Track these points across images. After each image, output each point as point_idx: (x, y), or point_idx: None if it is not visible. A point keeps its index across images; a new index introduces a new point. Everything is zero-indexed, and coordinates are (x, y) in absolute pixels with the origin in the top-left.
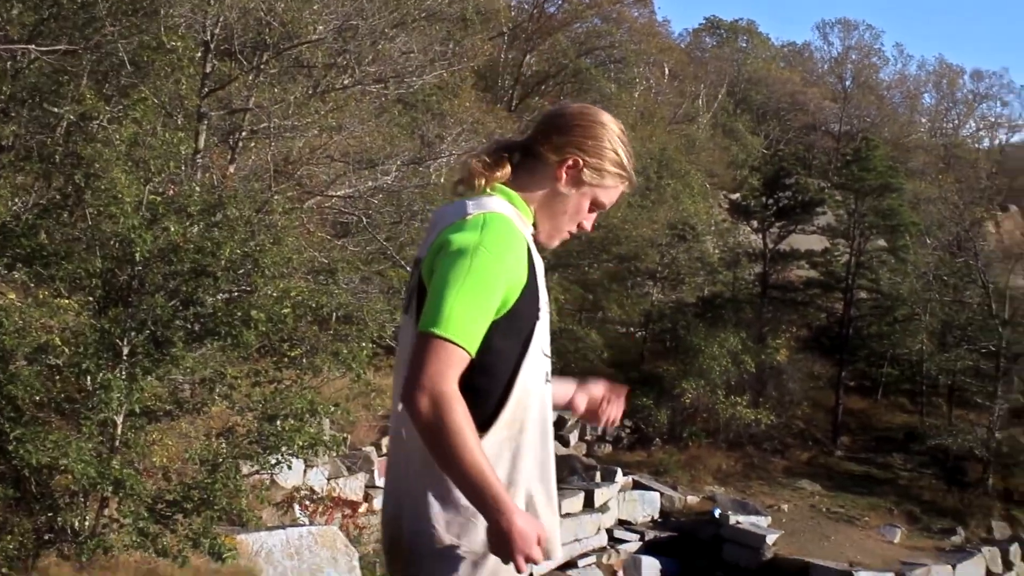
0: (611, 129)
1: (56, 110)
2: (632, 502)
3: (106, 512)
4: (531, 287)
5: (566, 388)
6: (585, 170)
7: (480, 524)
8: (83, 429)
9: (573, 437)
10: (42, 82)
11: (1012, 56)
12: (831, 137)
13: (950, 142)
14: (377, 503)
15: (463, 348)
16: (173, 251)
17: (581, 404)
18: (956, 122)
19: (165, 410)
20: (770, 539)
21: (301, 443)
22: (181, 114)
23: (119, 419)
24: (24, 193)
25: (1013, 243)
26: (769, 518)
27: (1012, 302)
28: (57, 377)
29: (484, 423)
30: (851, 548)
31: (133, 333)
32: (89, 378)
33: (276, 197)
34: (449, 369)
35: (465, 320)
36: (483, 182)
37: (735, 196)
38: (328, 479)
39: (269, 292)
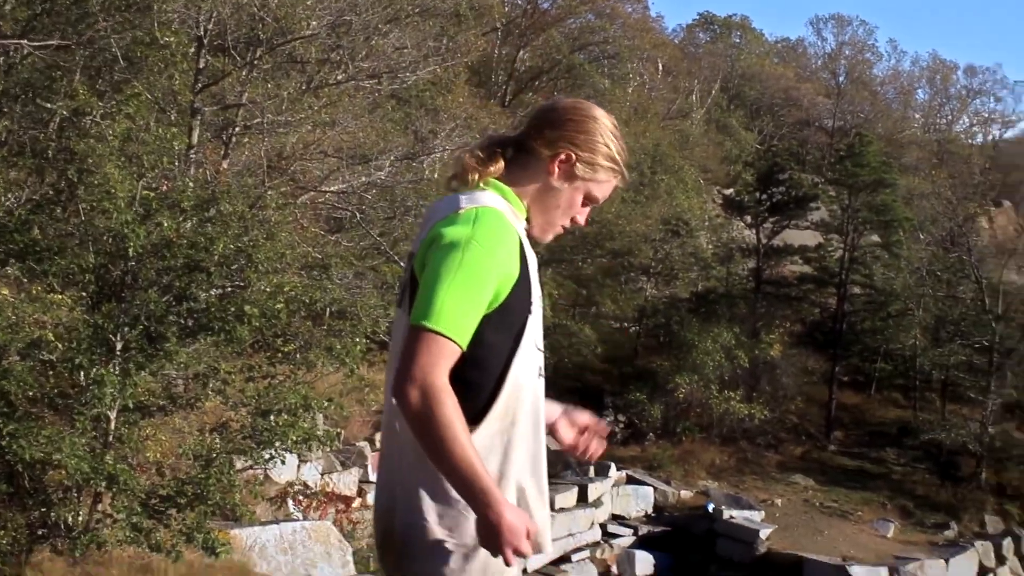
0: (603, 124)
1: (49, 106)
2: (626, 497)
3: (99, 507)
4: (523, 281)
5: (551, 410)
6: (578, 164)
7: (472, 517)
8: (76, 424)
9: None
10: (35, 77)
11: (1005, 52)
12: (824, 133)
13: (943, 138)
14: (371, 498)
15: (454, 341)
16: (166, 246)
17: (566, 435)
18: (949, 118)
19: (159, 405)
20: (763, 534)
21: (295, 438)
22: (174, 110)
23: (112, 414)
24: (17, 189)
25: (1006, 238)
26: (762, 513)
27: (1005, 297)
28: (50, 372)
29: (476, 416)
30: (844, 542)
31: (126, 328)
32: (82, 373)
33: (269, 192)
34: (440, 362)
35: (456, 313)
36: (476, 177)
37: (729, 191)
38: (322, 474)
39: (262, 287)
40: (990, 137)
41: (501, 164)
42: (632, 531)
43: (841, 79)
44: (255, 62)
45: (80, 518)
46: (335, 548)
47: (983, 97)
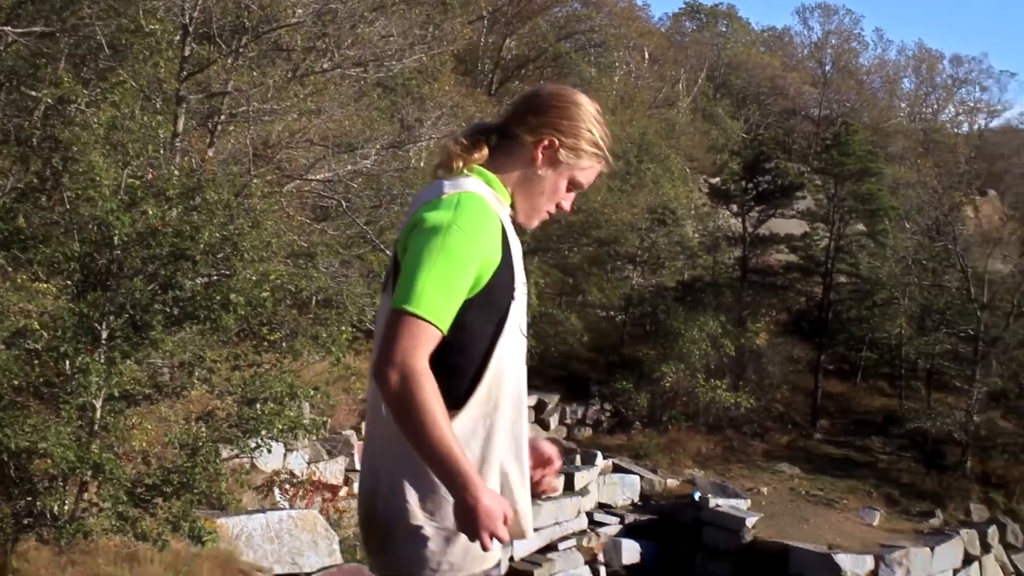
0: (587, 109)
1: (34, 93)
2: (612, 485)
3: (85, 496)
4: (506, 266)
5: None
6: (561, 150)
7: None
8: (62, 413)
9: (553, 421)
10: (19, 65)
11: (991, 41)
12: (811, 122)
13: (929, 127)
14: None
15: (434, 325)
16: (152, 235)
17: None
18: (935, 107)
19: (144, 394)
20: (750, 522)
21: (281, 427)
22: (159, 98)
23: (98, 403)
24: (2, 177)
25: (991, 227)
26: (749, 501)
27: (990, 286)
28: (36, 361)
29: (458, 400)
30: (830, 531)
31: (112, 317)
32: (68, 362)
33: (255, 181)
34: (420, 346)
35: (437, 298)
36: (460, 164)
37: (715, 180)
38: (308, 463)
39: (248, 276)
40: (976, 126)
41: (485, 151)
42: (618, 520)
43: (827, 68)
44: (240, 50)
45: (66, 507)
46: (321, 537)
47: (969, 86)
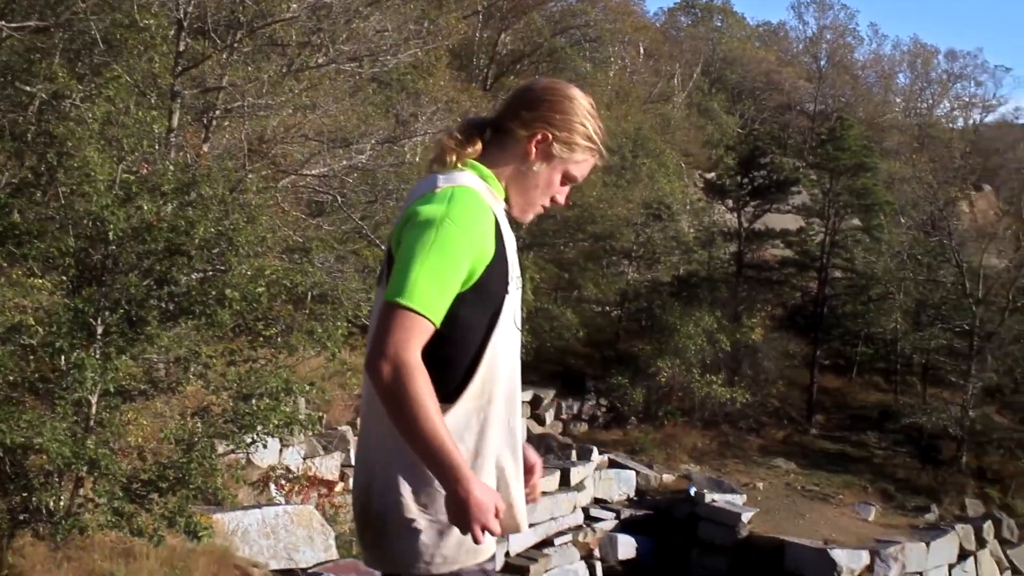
0: (580, 103)
1: (28, 88)
2: (608, 481)
3: (81, 492)
4: (499, 260)
5: None
6: (555, 144)
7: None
8: (57, 409)
9: (549, 416)
10: (13, 60)
11: (986, 36)
12: (806, 117)
13: (924, 122)
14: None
15: (427, 318)
16: (147, 230)
17: None
18: (930, 102)
19: (140, 389)
20: (745, 517)
21: (276, 422)
22: (154, 93)
23: (93, 399)
24: None
25: (987, 222)
26: (744, 496)
27: (985, 281)
28: (31, 357)
29: (451, 394)
30: (826, 526)
31: (107, 312)
32: (63, 358)
33: (250, 176)
34: (412, 339)
35: (429, 291)
36: (454, 158)
37: (710, 175)
38: (304, 458)
39: (243, 271)
40: (971, 121)
41: (479, 145)
42: (614, 515)
43: (822, 63)
44: (235, 45)
45: (62, 503)
46: (317, 532)
47: (964, 81)
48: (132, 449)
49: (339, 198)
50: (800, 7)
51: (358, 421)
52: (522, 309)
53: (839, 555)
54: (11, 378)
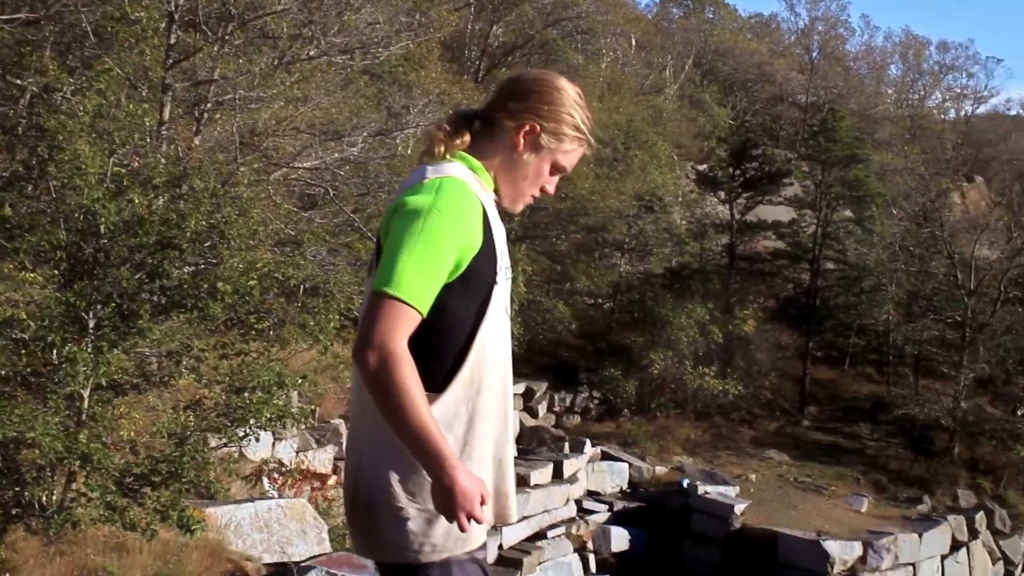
0: (567, 93)
1: (19, 82)
2: (601, 473)
3: (73, 486)
4: (487, 250)
5: None
6: (543, 135)
7: None
8: (49, 403)
9: (542, 408)
10: (4, 53)
11: (978, 27)
12: (798, 108)
13: (916, 113)
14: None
15: (414, 308)
16: (138, 223)
17: None
18: (922, 93)
19: (132, 383)
20: (738, 509)
21: (269, 416)
22: (146, 86)
23: (86, 393)
24: None
25: (978, 214)
26: (737, 488)
27: (977, 272)
28: (23, 351)
29: (440, 384)
30: (818, 517)
31: (99, 306)
32: (55, 352)
33: (242, 169)
34: (399, 328)
35: (416, 280)
36: (443, 149)
37: (702, 167)
38: (297, 452)
39: (235, 264)
40: (962, 113)
41: (468, 137)
42: (607, 507)
43: (814, 55)
44: (226, 37)
45: (54, 497)
46: (310, 526)
47: (955, 73)
48: (125, 443)
49: (331, 191)
50: None
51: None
52: (513, 301)
53: (832, 546)
54: (3, 372)
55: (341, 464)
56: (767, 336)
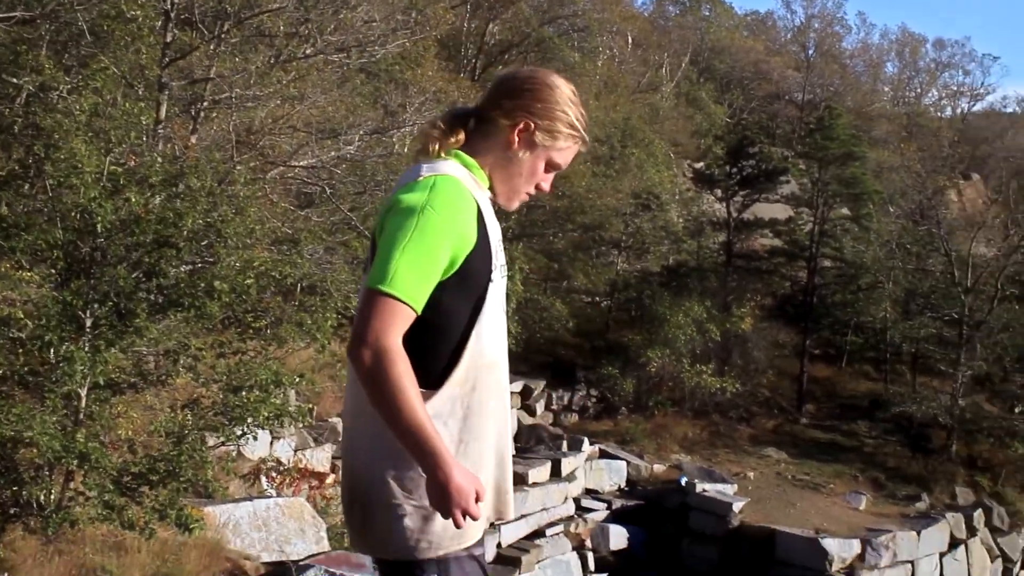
0: (561, 91)
1: (15, 80)
2: (599, 471)
3: (72, 485)
4: (482, 247)
5: None
6: (537, 132)
7: None
8: (47, 402)
9: (539, 407)
10: (0, 52)
11: (974, 25)
12: (794, 106)
13: (913, 111)
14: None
15: (408, 305)
16: (135, 222)
17: None
18: (918, 91)
19: (129, 382)
20: (736, 507)
21: (267, 414)
22: (142, 84)
23: (83, 392)
24: None
25: (975, 211)
26: (735, 486)
27: (974, 270)
28: (20, 350)
29: (435, 381)
30: (817, 515)
31: (96, 305)
32: (52, 351)
33: (238, 167)
34: (393, 325)
35: (410, 277)
36: (437, 147)
37: (699, 165)
38: (295, 450)
39: (232, 263)
40: (959, 110)
41: (462, 135)
42: (606, 505)
43: (811, 52)
44: (223, 36)
45: (52, 496)
46: (309, 524)
47: (952, 70)
48: (122, 442)
49: (328, 189)
50: None
51: None
52: (510, 299)
53: (830, 544)
54: (0, 371)
55: (339, 462)
56: (764, 334)
